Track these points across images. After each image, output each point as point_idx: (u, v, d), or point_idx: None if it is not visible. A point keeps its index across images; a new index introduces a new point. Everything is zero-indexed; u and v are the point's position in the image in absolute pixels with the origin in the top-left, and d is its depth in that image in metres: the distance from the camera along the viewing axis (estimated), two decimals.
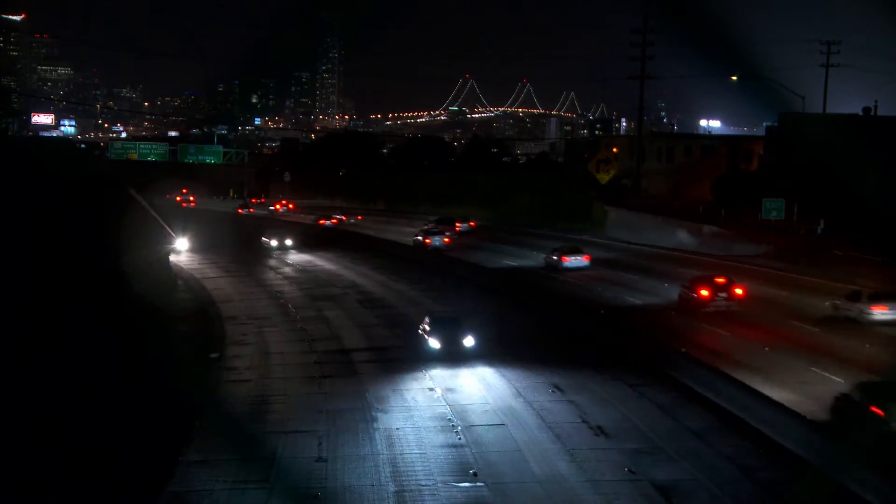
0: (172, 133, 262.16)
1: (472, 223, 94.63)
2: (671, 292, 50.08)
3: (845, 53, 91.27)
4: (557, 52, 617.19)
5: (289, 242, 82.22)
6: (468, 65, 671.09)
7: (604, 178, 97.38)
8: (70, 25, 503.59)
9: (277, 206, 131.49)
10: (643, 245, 75.69)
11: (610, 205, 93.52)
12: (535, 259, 68.68)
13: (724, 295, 45.88)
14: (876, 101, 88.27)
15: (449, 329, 38.47)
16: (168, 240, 66.21)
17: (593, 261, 64.26)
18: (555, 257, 65.42)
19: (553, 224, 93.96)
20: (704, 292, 45.91)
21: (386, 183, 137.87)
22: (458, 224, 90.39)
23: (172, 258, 70.48)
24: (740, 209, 77.79)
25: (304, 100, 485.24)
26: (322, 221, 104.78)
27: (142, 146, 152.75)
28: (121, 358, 31.50)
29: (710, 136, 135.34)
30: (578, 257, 65.05)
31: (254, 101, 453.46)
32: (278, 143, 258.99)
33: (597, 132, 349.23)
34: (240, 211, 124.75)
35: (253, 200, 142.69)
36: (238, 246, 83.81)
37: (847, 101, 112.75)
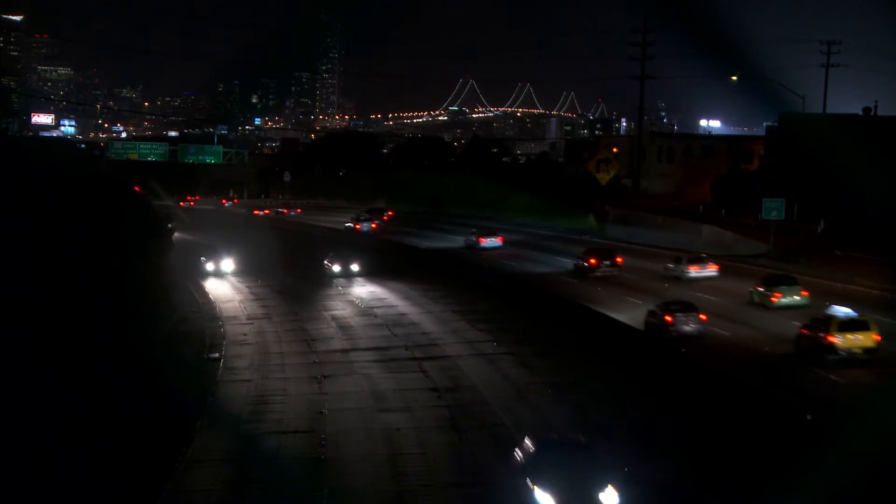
0: (172, 133, 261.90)
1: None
2: (567, 264, 63.30)
3: (845, 53, 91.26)
4: (557, 52, 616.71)
5: (355, 268, 64.21)
6: (468, 65, 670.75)
7: (604, 178, 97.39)
8: (70, 25, 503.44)
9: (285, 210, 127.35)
10: (643, 245, 75.68)
11: (610, 205, 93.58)
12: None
13: (608, 262, 59.03)
14: (876, 101, 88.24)
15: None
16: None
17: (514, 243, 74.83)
18: (473, 238, 76.15)
19: (553, 224, 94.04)
20: (592, 260, 59.47)
21: (386, 183, 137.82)
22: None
23: (212, 286, 62.19)
24: (740, 209, 77.79)
25: (304, 100, 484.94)
26: (357, 226, 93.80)
27: (142, 146, 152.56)
28: (121, 359, 31.51)
29: (710, 136, 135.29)
30: (493, 238, 75.74)
31: (254, 101, 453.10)
32: (278, 143, 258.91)
33: (597, 132, 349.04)
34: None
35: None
36: (293, 266, 67.74)
37: (847, 101, 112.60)
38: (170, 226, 74.51)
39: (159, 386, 31.14)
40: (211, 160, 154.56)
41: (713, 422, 27.89)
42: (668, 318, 40.81)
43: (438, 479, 25.05)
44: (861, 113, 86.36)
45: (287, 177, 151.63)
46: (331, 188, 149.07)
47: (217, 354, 41.09)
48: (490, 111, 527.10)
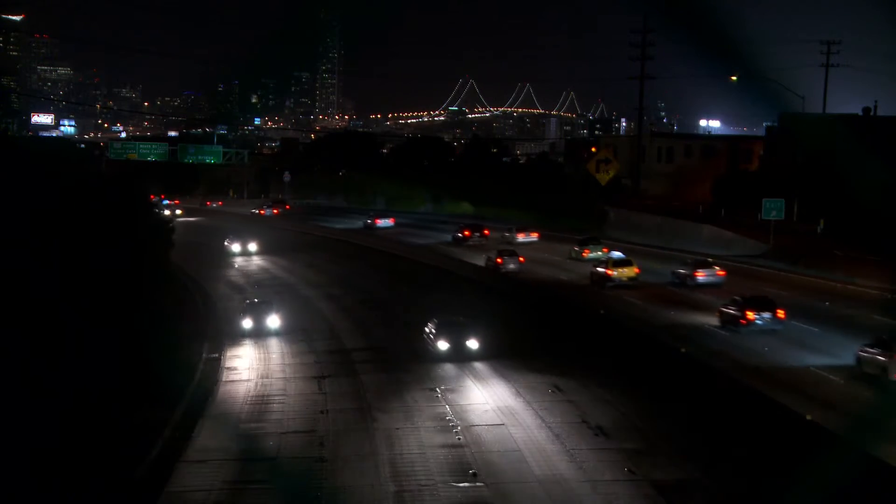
0: (172, 133, 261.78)
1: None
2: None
3: (845, 53, 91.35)
4: (557, 52, 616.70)
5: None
6: (468, 65, 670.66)
7: (604, 178, 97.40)
8: (70, 25, 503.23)
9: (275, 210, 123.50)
10: (643, 245, 75.67)
11: (610, 205, 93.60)
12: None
13: (478, 234, 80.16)
14: (876, 102, 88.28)
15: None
16: None
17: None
18: (369, 221, 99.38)
19: (553, 224, 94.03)
20: (466, 232, 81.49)
21: (386, 183, 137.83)
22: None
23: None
24: (740, 209, 77.81)
25: (303, 100, 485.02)
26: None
27: (141, 146, 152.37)
28: (121, 359, 31.52)
29: (710, 136, 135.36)
30: (386, 220, 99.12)
31: (254, 101, 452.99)
32: (278, 143, 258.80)
33: (597, 132, 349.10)
34: (262, 212, 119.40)
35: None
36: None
37: (847, 101, 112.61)
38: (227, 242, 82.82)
39: (159, 386, 31.16)
40: (211, 160, 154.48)
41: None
42: (499, 260, 64.25)
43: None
44: (861, 113, 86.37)
45: (287, 177, 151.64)
46: (331, 188, 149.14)
47: (217, 354, 41.10)
48: (490, 111, 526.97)
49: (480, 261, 67.39)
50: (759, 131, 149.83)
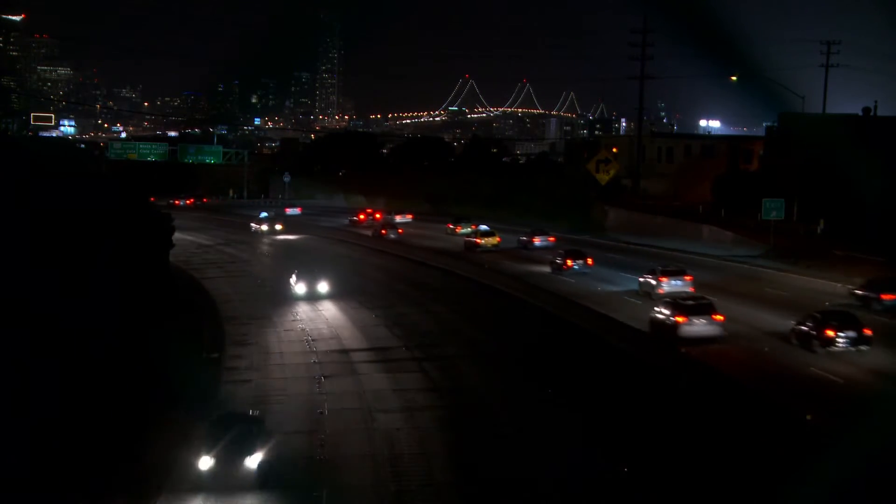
0: (172, 133, 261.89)
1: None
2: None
3: (845, 53, 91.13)
4: (557, 52, 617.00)
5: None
6: (468, 65, 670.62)
7: (604, 178, 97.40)
8: (70, 25, 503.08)
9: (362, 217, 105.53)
10: (643, 245, 75.66)
11: (610, 205, 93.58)
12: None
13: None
14: (876, 102, 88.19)
15: None
16: None
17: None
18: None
19: (553, 224, 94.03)
20: (383, 231, 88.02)
21: (385, 183, 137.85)
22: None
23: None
24: (740, 209, 77.80)
25: (303, 100, 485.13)
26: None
27: (141, 146, 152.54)
28: (122, 359, 31.52)
29: (710, 136, 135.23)
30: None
31: (254, 101, 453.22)
32: (278, 143, 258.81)
33: (597, 132, 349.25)
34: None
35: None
36: None
37: (847, 101, 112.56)
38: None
39: (159, 386, 31.16)
40: (211, 160, 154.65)
41: None
42: (383, 231, 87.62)
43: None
44: (861, 113, 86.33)
45: (287, 177, 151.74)
46: (331, 188, 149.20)
47: (217, 354, 41.09)
48: (490, 111, 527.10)
49: (369, 233, 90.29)
50: (759, 131, 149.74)
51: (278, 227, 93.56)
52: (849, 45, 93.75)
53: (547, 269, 62.20)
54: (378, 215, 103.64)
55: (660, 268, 52.40)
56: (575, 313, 44.84)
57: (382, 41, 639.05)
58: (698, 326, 38.34)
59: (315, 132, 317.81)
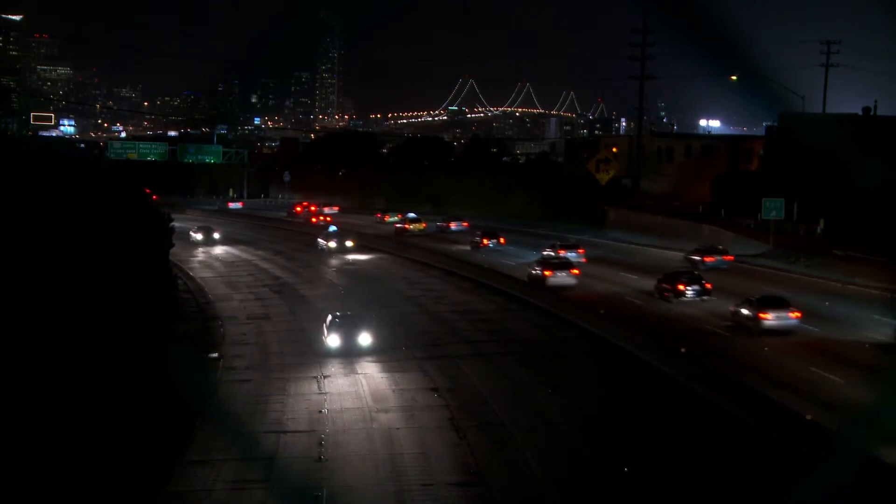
0: (172, 133, 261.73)
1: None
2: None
3: (845, 53, 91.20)
4: (557, 52, 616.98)
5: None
6: (468, 65, 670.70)
7: (604, 178, 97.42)
8: (70, 25, 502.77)
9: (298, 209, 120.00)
10: (643, 245, 75.67)
11: (610, 205, 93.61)
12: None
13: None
14: (876, 101, 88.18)
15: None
16: None
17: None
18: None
19: (553, 224, 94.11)
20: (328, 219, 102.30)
21: (385, 183, 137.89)
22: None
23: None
24: (740, 209, 77.84)
25: (303, 100, 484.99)
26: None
27: (141, 146, 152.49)
28: (121, 358, 31.49)
29: (709, 136, 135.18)
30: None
31: (254, 101, 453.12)
32: (278, 143, 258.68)
33: (596, 132, 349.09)
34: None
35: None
36: None
37: (847, 101, 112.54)
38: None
39: (159, 386, 31.14)
40: (211, 160, 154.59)
41: None
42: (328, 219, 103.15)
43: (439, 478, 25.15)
44: (861, 113, 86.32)
45: (287, 176, 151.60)
46: (330, 188, 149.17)
47: (217, 354, 41.09)
48: (490, 111, 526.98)
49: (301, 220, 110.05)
50: (759, 131, 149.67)
51: (349, 243, 78.00)
52: (849, 45, 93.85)
53: (467, 247, 76.91)
54: (313, 207, 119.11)
55: (558, 243, 68.52)
56: (491, 277, 58.64)
57: (382, 41, 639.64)
58: (559, 278, 54.53)
59: (315, 132, 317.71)
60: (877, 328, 40.72)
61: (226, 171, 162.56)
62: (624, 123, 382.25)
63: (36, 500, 23.14)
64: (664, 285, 51.02)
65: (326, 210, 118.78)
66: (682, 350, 34.97)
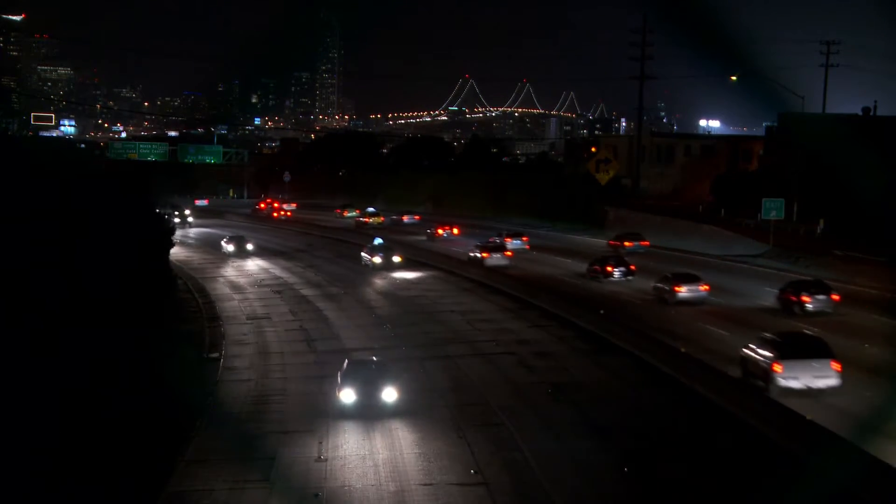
0: (172, 133, 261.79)
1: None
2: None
3: (845, 53, 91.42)
4: (557, 52, 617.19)
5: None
6: (468, 65, 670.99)
7: (604, 178, 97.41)
8: (70, 25, 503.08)
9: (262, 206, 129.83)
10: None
11: (610, 204, 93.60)
12: None
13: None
14: (875, 102, 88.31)
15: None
16: None
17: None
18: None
19: (553, 224, 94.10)
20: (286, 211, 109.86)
21: (386, 183, 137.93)
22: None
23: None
24: (740, 209, 77.85)
25: (304, 100, 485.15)
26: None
27: (141, 146, 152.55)
28: (121, 358, 31.50)
29: (709, 136, 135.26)
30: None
31: (254, 101, 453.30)
32: (278, 143, 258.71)
33: (596, 132, 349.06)
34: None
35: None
36: None
37: (847, 101, 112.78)
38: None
39: (159, 386, 31.14)
40: (211, 160, 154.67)
41: None
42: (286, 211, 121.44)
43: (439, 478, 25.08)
44: (861, 113, 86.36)
45: (287, 176, 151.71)
46: (330, 188, 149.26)
47: (217, 354, 41.09)
48: (490, 111, 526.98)
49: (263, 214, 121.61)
50: (759, 131, 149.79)
51: (396, 258, 67.96)
52: (849, 45, 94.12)
53: (423, 237, 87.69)
54: (276, 204, 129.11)
55: (504, 231, 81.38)
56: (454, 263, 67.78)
57: (383, 41, 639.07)
58: (495, 259, 64.93)
59: (315, 132, 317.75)
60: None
61: (226, 171, 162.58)
62: (624, 123, 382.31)
63: (36, 500, 23.14)
64: (595, 267, 59.47)
65: (286, 206, 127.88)
66: (602, 312, 43.40)
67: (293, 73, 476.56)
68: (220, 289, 61.15)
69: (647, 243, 72.71)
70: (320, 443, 28.23)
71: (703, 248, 69.88)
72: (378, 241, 72.18)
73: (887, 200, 52.27)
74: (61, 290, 29.62)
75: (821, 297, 44.82)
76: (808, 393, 30.32)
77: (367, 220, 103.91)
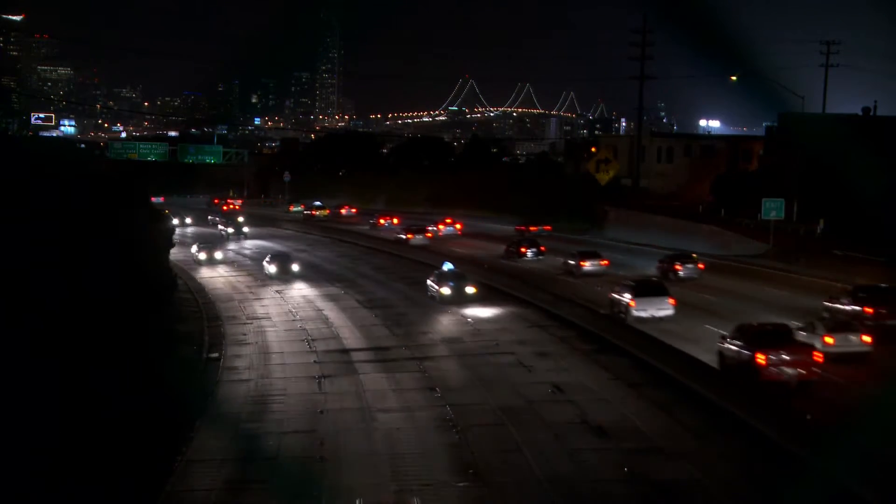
0: (172, 133, 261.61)
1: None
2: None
3: (845, 53, 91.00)
4: (557, 52, 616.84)
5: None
6: (468, 65, 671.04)
7: (604, 178, 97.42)
8: (70, 25, 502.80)
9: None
10: (643, 245, 75.65)
11: (610, 205, 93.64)
12: None
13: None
14: (875, 102, 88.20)
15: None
16: None
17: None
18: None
19: (553, 224, 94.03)
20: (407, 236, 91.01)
21: (385, 183, 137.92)
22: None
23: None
24: (740, 209, 77.84)
25: (303, 100, 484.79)
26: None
27: (142, 146, 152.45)
28: (121, 358, 31.52)
29: (709, 136, 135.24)
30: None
31: (254, 101, 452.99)
32: (278, 143, 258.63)
33: (596, 132, 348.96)
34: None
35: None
36: None
37: (847, 101, 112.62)
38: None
39: (159, 386, 31.15)
40: (211, 160, 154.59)
41: None
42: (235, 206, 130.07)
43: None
44: (861, 113, 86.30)
45: (287, 177, 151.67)
46: (331, 188, 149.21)
47: (217, 354, 41.09)
48: (490, 111, 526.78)
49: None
50: (759, 131, 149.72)
51: (470, 289, 52.10)
52: (849, 45, 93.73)
53: (366, 227, 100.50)
54: (229, 201, 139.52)
55: (437, 220, 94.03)
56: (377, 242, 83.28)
57: (383, 41, 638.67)
58: (418, 240, 78.49)
59: (315, 132, 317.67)
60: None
61: (226, 171, 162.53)
62: (624, 123, 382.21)
63: (36, 500, 23.15)
64: (511, 249, 71.03)
65: (230, 203, 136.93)
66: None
67: (293, 73, 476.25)
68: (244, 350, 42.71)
69: (549, 228, 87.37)
70: (321, 443, 28.24)
71: (703, 248, 69.85)
72: (448, 266, 56.36)
73: (887, 200, 52.27)
74: (61, 290, 29.63)
75: (689, 265, 57.05)
76: (652, 320, 42.75)
77: (314, 212, 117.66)
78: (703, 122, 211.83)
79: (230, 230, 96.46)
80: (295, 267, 65.88)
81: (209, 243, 79.52)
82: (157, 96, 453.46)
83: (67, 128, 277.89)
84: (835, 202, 65.35)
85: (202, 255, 75.40)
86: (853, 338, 34.78)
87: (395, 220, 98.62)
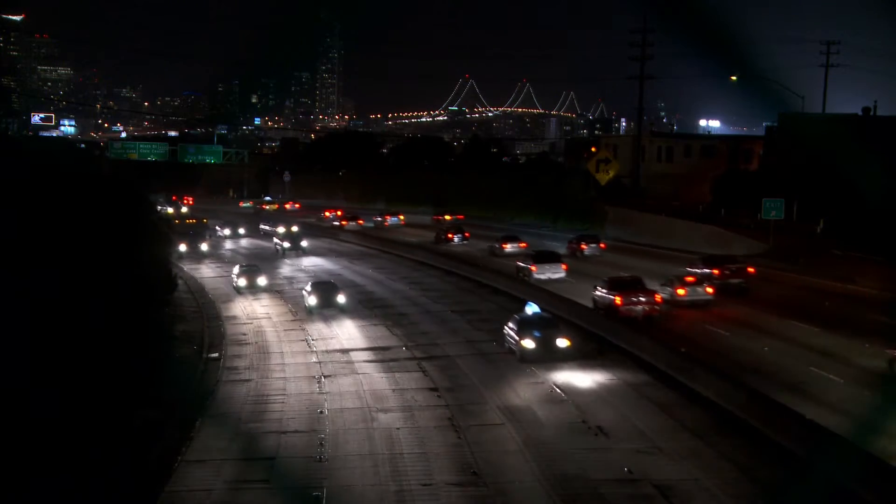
0: (172, 133, 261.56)
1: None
2: None
3: (845, 53, 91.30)
4: (557, 51, 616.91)
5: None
6: (468, 65, 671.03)
7: (604, 178, 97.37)
8: (70, 25, 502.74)
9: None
10: (643, 245, 75.66)
11: (610, 204, 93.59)
12: None
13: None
14: (875, 102, 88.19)
15: None
16: None
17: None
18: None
19: (553, 224, 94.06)
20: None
21: (385, 183, 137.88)
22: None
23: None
24: (740, 209, 77.78)
25: (304, 100, 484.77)
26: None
27: (142, 146, 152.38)
28: (121, 359, 31.52)
29: (710, 136, 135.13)
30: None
31: (254, 101, 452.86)
32: (278, 143, 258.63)
33: (596, 132, 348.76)
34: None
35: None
36: None
37: (847, 101, 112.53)
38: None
39: (159, 386, 31.17)
40: (211, 160, 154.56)
41: None
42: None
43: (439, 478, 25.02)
44: (861, 113, 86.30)
45: (287, 176, 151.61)
46: (331, 188, 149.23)
47: (217, 354, 41.10)
48: (490, 111, 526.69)
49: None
50: (759, 131, 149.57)
51: (562, 342, 37.69)
52: (849, 45, 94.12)
53: (313, 219, 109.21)
54: (185, 198, 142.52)
55: (391, 211, 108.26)
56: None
57: (382, 41, 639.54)
58: (350, 226, 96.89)
59: (315, 132, 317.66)
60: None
61: (226, 171, 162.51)
62: (624, 123, 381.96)
63: (36, 500, 23.14)
64: (440, 235, 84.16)
65: (185, 199, 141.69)
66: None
67: (293, 73, 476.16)
68: None
69: (462, 217, 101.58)
70: (321, 443, 28.25)
71: (702, 248, 69.77)
72: (532, 307, 40.87)
73: (887, 200, 52.28)
74: (61, 290, 29.61)
75: (593, 245, 70.35)
76: (548, 281, 55.88)
77: (263, 206, 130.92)
78: (703, 122, 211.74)
79: (286, 244, 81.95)
80: (341, 298, 52.02)
81: (252, 265, 65.47)
82: (157, 96, 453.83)
83: (67, 128, 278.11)
84: (835, 202, 65.32)
85: (242, 282, 60.89)
86: (699, 290, 47.53)
87: (360, 221, 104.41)
